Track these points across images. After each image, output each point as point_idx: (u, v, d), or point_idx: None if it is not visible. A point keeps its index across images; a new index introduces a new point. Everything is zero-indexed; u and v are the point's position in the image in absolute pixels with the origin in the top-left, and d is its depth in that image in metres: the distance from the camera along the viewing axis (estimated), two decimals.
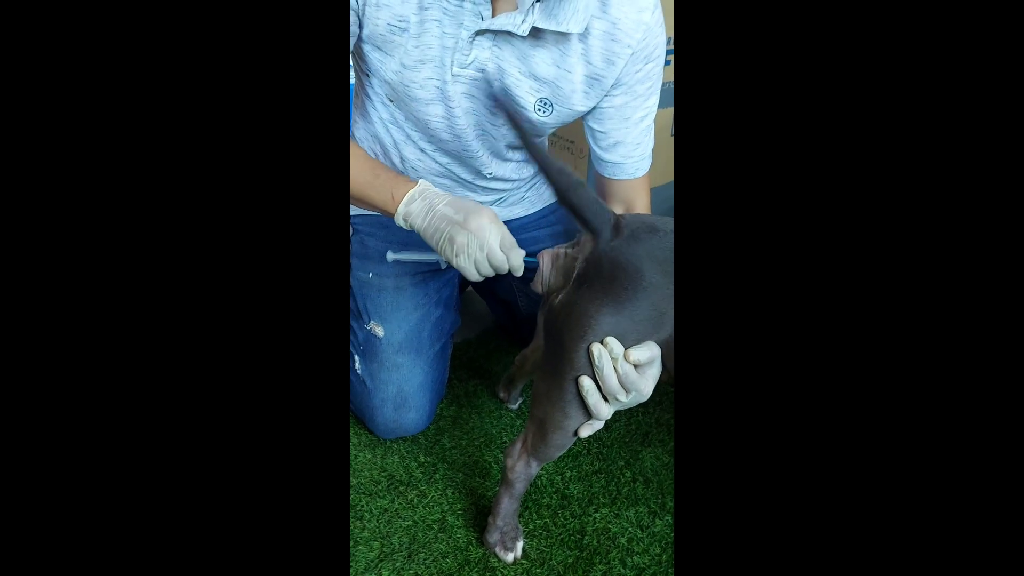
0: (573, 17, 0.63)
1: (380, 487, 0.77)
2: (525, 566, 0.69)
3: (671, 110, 1.35)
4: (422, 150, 0.78)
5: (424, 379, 0.80)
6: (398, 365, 0.78)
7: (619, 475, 0.81)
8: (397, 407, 0.78)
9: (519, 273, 0.69)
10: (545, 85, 0.69)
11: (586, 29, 0.66)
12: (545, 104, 0.71)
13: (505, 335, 1.09)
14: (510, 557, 0.69)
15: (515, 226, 0.92)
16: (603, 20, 0.67)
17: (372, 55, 0.69)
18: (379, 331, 0.80)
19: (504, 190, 0.86)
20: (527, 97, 0.70)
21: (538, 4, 0.62)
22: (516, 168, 0.83)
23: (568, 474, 0.81)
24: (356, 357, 0.82)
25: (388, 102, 0.76)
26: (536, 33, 0.65)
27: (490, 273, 0.68)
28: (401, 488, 0.77)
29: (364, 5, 0.65)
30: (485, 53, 0.67)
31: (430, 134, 0.75)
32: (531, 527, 0.73)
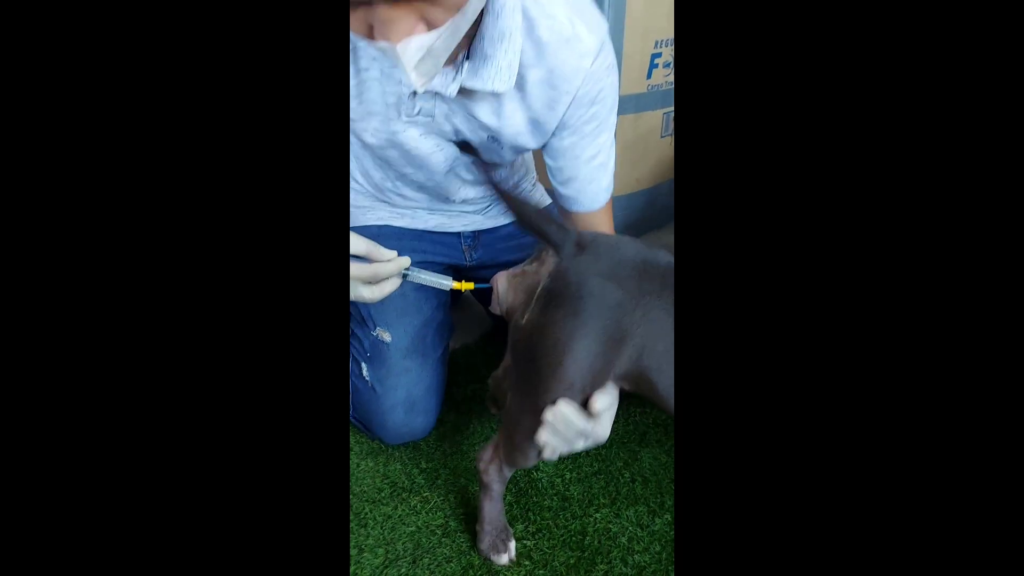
0: (497, 76, 0.62)
1: (383, 494, 0.78)
2: (528, 567, 0.70)
3: (660, 112, 1.36)
4: (389, 178, 0.81)
5: (431, 382, 0.82)
6: (407, 369, 0.80)
7: (618, 475, 0.82)
8: (408, 411, 0.79)
9: (387, 293, 0.68)
10: (490, 129, 0.70)
11: (521, 79, 0.66)
12: (493, 140, 0.72)
13: (504, 339, 1.10)
14: (504, 559, 0.70)
15: (503, 234, 0.93)
16: (538, 69, 0.66)
17: None
18: (386, 336, 0.82)
19: (478, 209, 0.89)
20: (479, 133, 0.71)
21: (466, 63, 0.62)
22: (485, 189, 0.85)
23: (568, 476, 0.82)
24: (363, 364, 0.83)
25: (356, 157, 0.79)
26: (465, 95, 0.65)
27: (378, 299, 0.68)
28: (404, 494, 0.78)
29: None
30: (429, 104, 0.68)
31: (395, 170, 0.77)
32: (532, 529, 0.74)
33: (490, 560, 0.70)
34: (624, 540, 0.73)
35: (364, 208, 0.89)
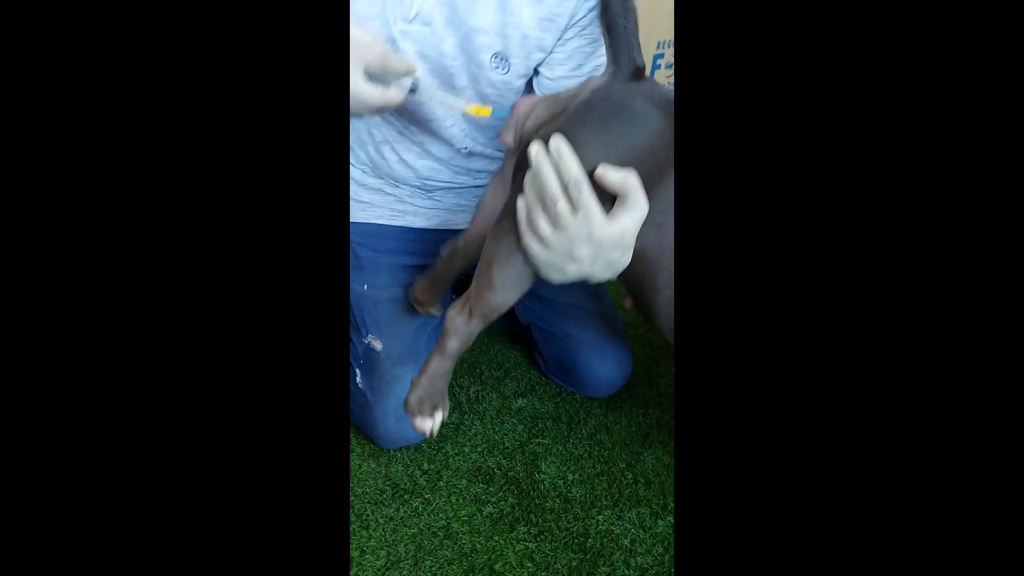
0: None
1: (385, 496, 0.78)
2: (531, 569, 0.70)
3: None
4: (396, 129, 0.75)
5: None
6: (398, 377, 0.79)
7: (621, 477, 0.82)
8: (398, 419, 0.79)
9: (393, 104, 0.59)
10: (496, 36, 0.65)
11: None
12: (500, 60, 0.67)
13: (506, 337, 1.10)
14: (426, 425, 0.64)
15: None
16: None
17: None
18: (377, 344, 0.81)
19: (489, 170, 0.84)
20: (480, 54, 0.66)
21: None
22: (492, 139, 0.77)
23: (570, 477, 0.82)
24: (357, 371, 0.83)
25: None
26: None
27: (376, 112, 0.60)
28: (406, 496, 0.78)
29: None
30: (428, 3, 0.63)
31: (392, 115, 0.71)
32: (534, 532, 0.74)
33: (411, 420, 0.64)
34: (627, 542, 0.73)
35: (364, 204, 0.87)
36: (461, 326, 0.61)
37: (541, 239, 0.51)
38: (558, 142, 0.49)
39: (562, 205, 0.49)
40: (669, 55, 1.27)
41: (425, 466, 0.82)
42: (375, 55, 0.55)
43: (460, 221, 0.89)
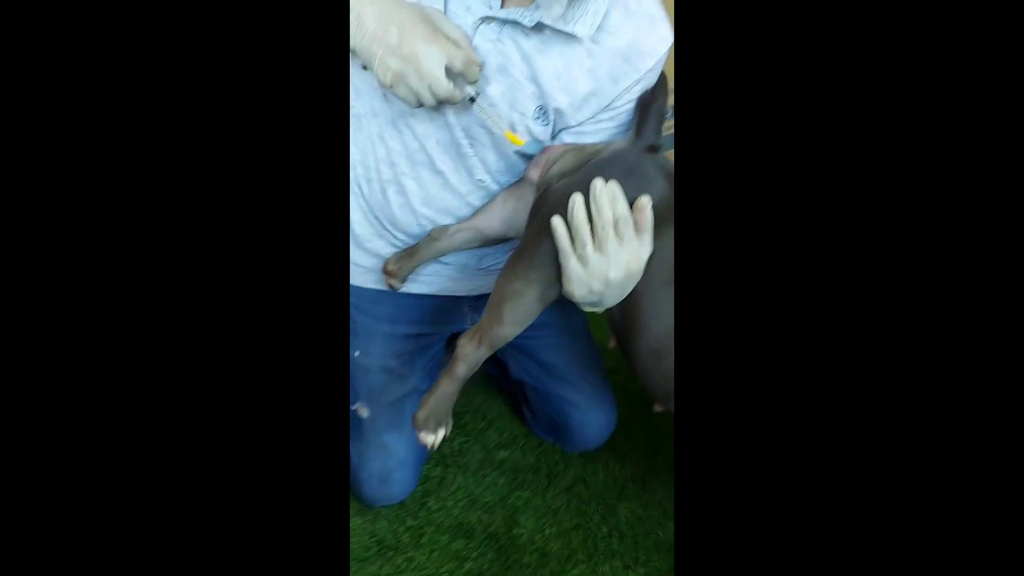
0: (581, 19, 0.63)
1: (370, 552, 0.81)
2: None
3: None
4: (412, 160, 0.76)
5: (406, 454, 0.85)
6: (383, 444, 0.83)
7: (596, 530, 0.86)
8: (381, 483, 0.83)
9: (455, 101, 0.62)
10: (545, 93, 0.68)
11: (597, 44, 0.66)
12: (543, 112, 0.70)
13: (490, 386, 1.14)
14: (429, 439, 0.70)
15: None
16: (619, 38, 0.66)
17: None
18: (364, 412, 0.85)
19: (488, 268, 0.88)
20: (527, 103, 0.69)
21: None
22: (510, 168, 0.78)
23: (548, 531, 0.86)
24: None
25: (377, 114, 0.74)
26: (541, 30, 0.64)
27: (434, 104, 0.62)
28: (390, 553, 0.82)
29: None
30: (488, 45, 0.66)
31: (423, 127, 0.73)
32: None
33: (417, 434, 0.71)
34: None
35: (364, 269, 0.86)
36: (471, 353, 0.68)
37: (583, 259, 0.59)
38: (613, 186, 0.58)
39: (610, 235, 0.57)
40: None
41: (409, 522, 0.86)
42: (461, 57, 0.60)
43: (460, 288, 0.90)
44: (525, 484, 0.93)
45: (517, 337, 0.93)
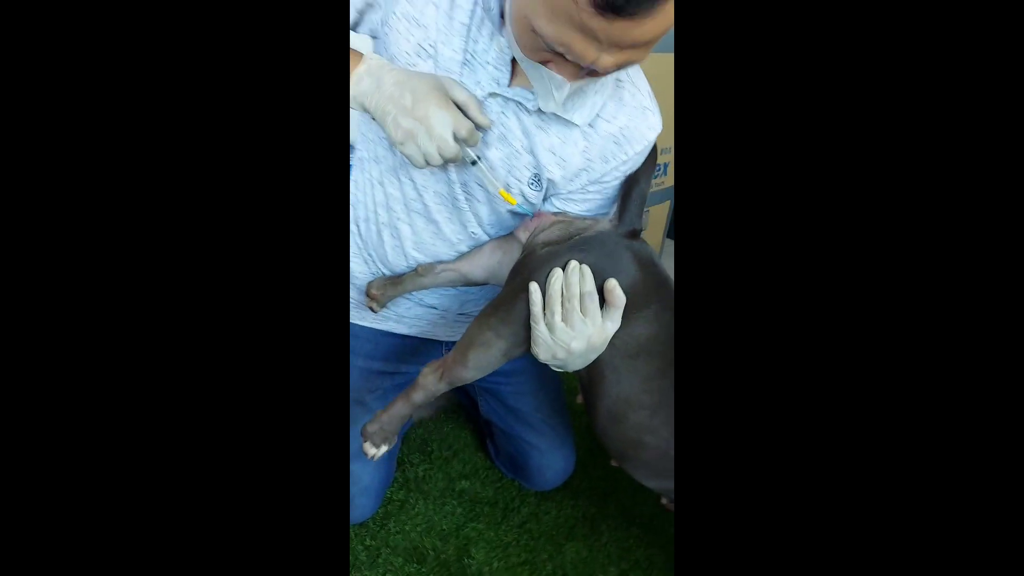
0: (580, 110, 0.71)
1: None
2: None
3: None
4: (409, 208, 0.82)
5: (370, 483, 0.89)
6: (349, 472, 0.88)
7: (541, 567, 0.91)
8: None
9: (455, 160, 0.68)
10: (540, 164, 0.74)
11: (593, 128, 0.73)
12: (537, 180, 0.77)
13: (460, 415, 1.20)
14: (371, 451, 0.76)
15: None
16: (612, 124, 0.73)
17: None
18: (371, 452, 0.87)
19: (470, 315, 0.94)
20: (523, 170, 0.75)
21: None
22: (501, 223, 0.84)
23: (496, 564, 0.91)
24: None
25: (379, 160, 0.81)
26: (542, 114, 0.71)
27: (440, 164, 0.68)
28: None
29: (392, 19, 0.69)
30: (492, 117, 0.72)
31: (422, 178, 0.79)
32: None
33: (363, 443, 0.76)
34: None
35: (351, 303, 0.92)
36: (430, 384, 0.74)
37: (551, 326, 0.65)
38: (587, 268, 0.65)
39: (576, 309, 0.63)
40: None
41: (368, 541, 0.91)
42: (467, 125, 0.66)
43: (440, 333, 0.96)
44: (481, 516, 0.99)
45: (489, 381, 1.00)
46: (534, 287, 0.66)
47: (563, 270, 0.65)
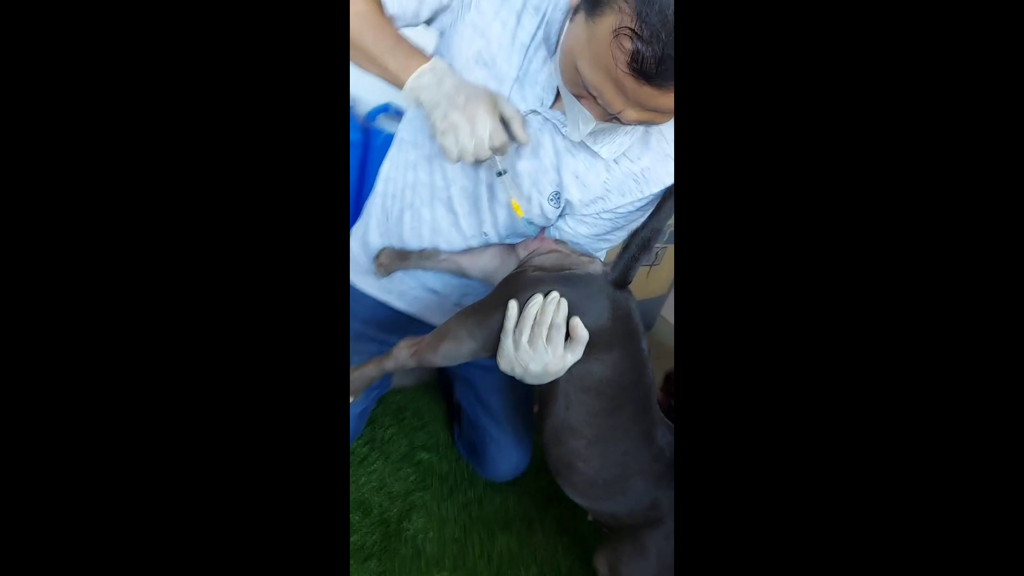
0: (608, 145, 0.76)
1: None
2: None
3: None
4: (435, 196, 0.89)
5: None
6: None
7: (470, 548, 0.99)
8: None
9: (494, 169, 0.74)
10: (563, 184, 0.80)
11: (617, 163, 0.78)
12: (557, 197, 0.82)
13: (438, 390, 1.27)
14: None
15: None
16: (636, 164, 0.79)
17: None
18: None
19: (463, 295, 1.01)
20: (546, 186, 0.80)
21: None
22: (512, 230, 0.89)
23: (431, 534, 0.99)
24: None
25: (418, 145, 0.87)
26: (574, 145, 0.77)
27: (470, 161, 0.72)
28: None
29: (460, 24, 0.75)
30: (529, 130, 0.77)
31: (453, 171, 0.85)
32: (381, 569, 0.91)
33: None
34: None
35: (361, 270, 0.98)
36: (402, 357, 0.81)
37: (516, 344, 0.71)
38: (562, 300, 0.71)
39: (542, 336, 0.69)
40: None
41: None
42: (502, 137, 0.71)
43: (433, 318, 1.03)
44: (430, 488, 1.06)
45: (467, 371, 1.07)
46: (512, 304, 0.72)
47: (544, 297, 0.71)
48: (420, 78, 0.70)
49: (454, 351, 0.77)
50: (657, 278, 1.65)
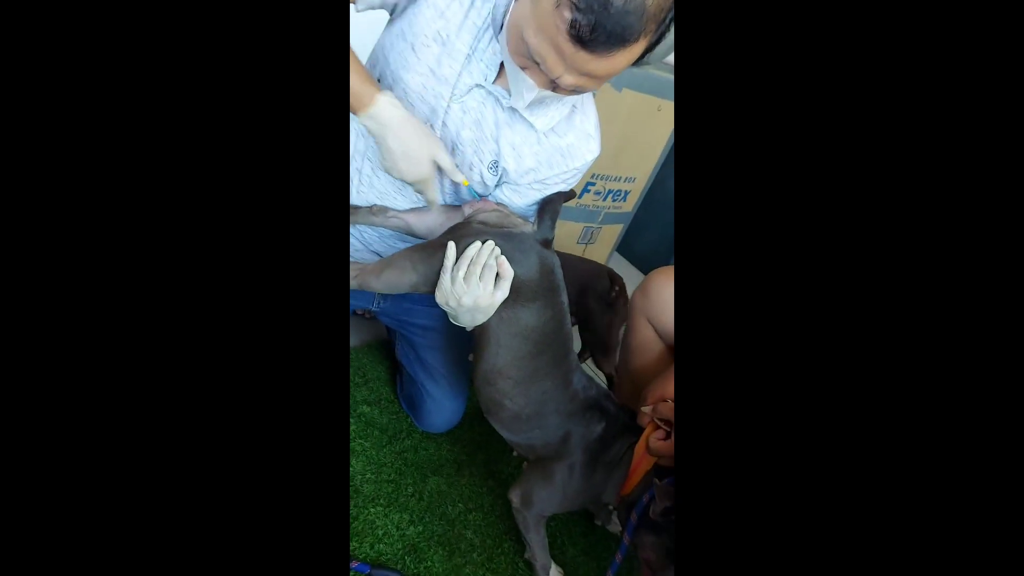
0: (542, 117, 0.89)
1: None
2: None
3: (581, 225, 1.66)
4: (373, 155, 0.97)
5: None
6: None
7: (403, 488, 1.11)
8: None
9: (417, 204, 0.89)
10: (501, 153, 0.91)
11: (547, 137, 0.90)
12: (496, 166, 0.92)
13: (382, 349, 1.38)
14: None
15: (413, 297, 1.14)
16: (562, 140, 0.92)
17: (399, 52, 0.88)
18: None
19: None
20: (486, 154, 0.91)
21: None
22: (455, 196, 1.00)
23: (368, 475, 1.10)
24: None
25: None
26: (512, 113, 0.88)
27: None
28: None
29: (424, 4, 0.84)
30: (473, 102, 0.89)
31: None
32: None
33: None
34: (380, 533, 1.02)
35: None
36: (362, 277, 0.89)
37: (452, 279, 0.83)
38: (494, 247, 0.82)
39: (476, 274, 0.81)
40: (600, 185, 1.57)
41: None
42: (433, 196, 0.88)
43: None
44: (370, 437, 1.18)
45: (408, 330, 1.18)
46: (451, 244, 0.84)
47: (482, 244, 0.83)
48: (368, 120, 0.81)
49: (395, 280, 0.88)
50: (592, 255, 1.79)
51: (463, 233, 0.86)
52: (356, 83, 0.79)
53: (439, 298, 0.86)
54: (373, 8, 0.88)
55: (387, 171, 0.84)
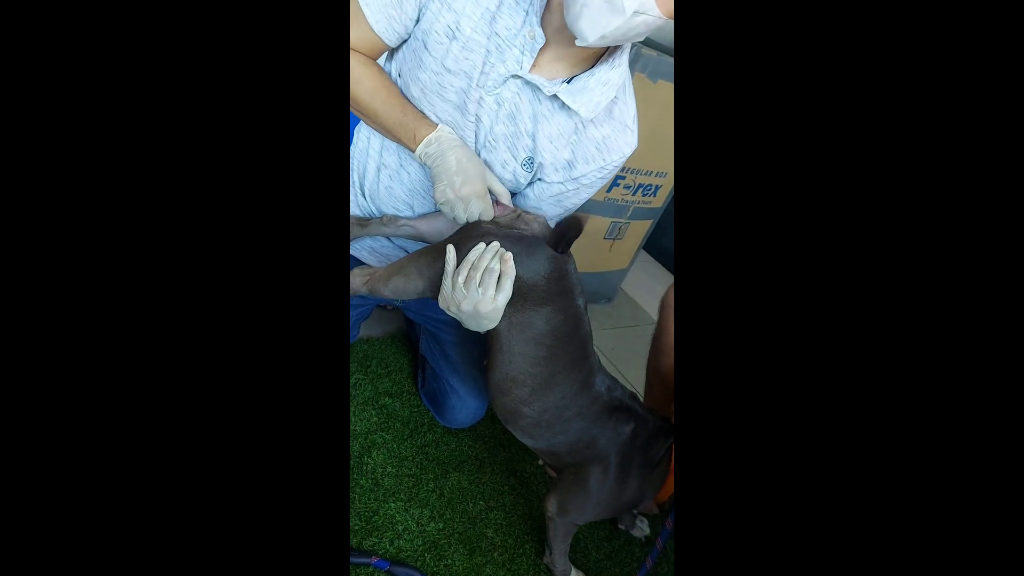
0: (587, 104, 0.82)
1: None
2: None
3: (609, 220, 1.62)
4: (402, 164, 0.95)
5: None
6: None
7: (425, 483, 1.09)
8: None
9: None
10: (538, 148, 0.86)
11: (585, 130, 0.85)
12: (531, 162, 0.89)
13: (405, 342, 1.36)
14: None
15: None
16: (601, 130, 0.87)
17: (412, 51, 0.85)
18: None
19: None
20: (520, 151, 0.87)
21: (568, 84, 0.82)
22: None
23: (389, 469, 1.08)
24: None
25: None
26: (553, 100, 0.83)
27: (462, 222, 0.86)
28: None
29: (434, 3, 0.80)
30: (508, 94, 0.83)
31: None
32: None
33: None
34: (400, 528, 1.00)
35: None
36: (356, 286, 0.88)
37: (453, 284, 0.80)
38: (498, 248, 0.78)
39: (475, 279, 0.77)
40: (629, 179, 1.53)
41: None
42: (489, 215, 0.84)
43: None
44: (391, 429, 1.16)
45: (433, 326, 1.15)
46: (450, 247, 0.80)
47: (486, 246, 0.79)
48: (427, 147, 0.83)
49: (403, 286, 0.86)
50: (619, 252, 1.75)
51: (468, 235, 0.83)
52: (411, 120, 0.83)
53: (440, 303, 0.82)
54: (404, 40, 0.87)
55: (441, 191, 0.82)
